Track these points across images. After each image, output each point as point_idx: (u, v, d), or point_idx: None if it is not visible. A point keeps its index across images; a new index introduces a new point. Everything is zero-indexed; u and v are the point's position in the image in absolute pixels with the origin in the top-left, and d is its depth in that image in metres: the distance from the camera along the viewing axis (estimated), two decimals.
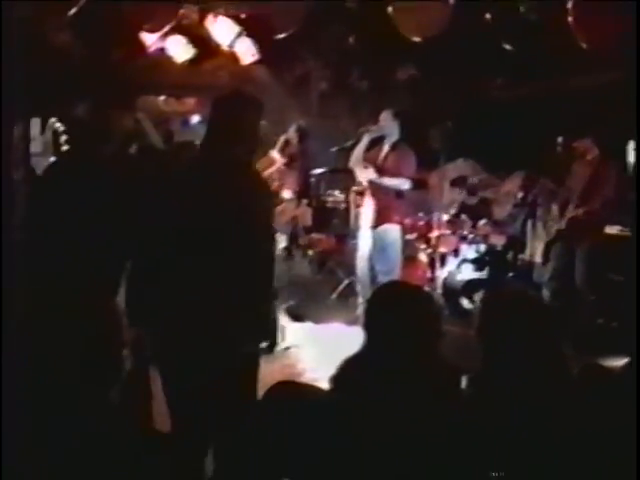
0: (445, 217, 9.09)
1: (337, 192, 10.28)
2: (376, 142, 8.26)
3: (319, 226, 10.15)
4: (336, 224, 10.22)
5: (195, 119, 11.22)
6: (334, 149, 9.11)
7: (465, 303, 8.44)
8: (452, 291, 8.58)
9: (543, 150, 8.28)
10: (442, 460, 2.83)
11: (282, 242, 9.42)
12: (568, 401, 2.97)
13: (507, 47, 6.96)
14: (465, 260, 8.90)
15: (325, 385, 3.07)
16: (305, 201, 10.02)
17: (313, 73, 9.80)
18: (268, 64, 8.82)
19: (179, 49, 8.01)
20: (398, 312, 3.08)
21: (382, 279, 7.70)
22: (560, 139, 7.93)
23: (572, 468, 2.82)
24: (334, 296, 9.12)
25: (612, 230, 7.82)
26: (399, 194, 8.14)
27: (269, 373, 4.22)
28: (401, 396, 2.92)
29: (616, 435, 2.85)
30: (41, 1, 5.91)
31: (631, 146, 8.35)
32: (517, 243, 9.01)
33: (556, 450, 2.84)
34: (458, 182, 9.49)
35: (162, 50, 8.02)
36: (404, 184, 8.07)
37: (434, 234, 8.88)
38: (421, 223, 9.09)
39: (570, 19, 6.23)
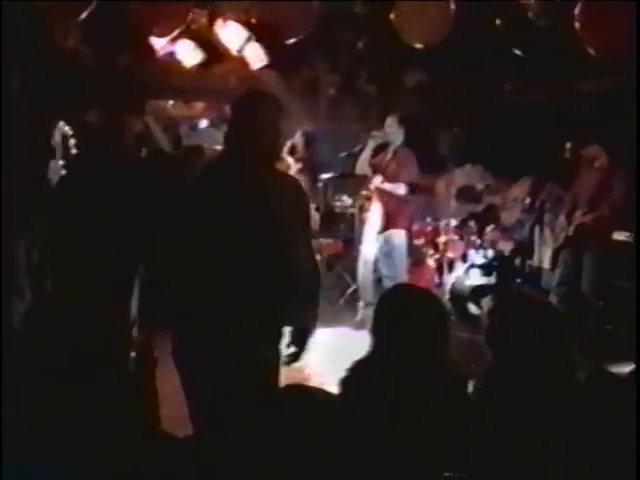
0: (453, 223, 9.11)
1: (345, 197, 10.29)
2: (382, 148, 8.28)
3: (327, 231, 10.15)
4: (344, 229, 10.23)
5: (204, 123, 11.25)
6: (343, 154, 9.13)
7: (473, 308, 8.44)
8: (460, 296, 8.58)
9: (551, 156, 8.28)
10: (449, 464, 2.83)
11: None
12: (576, 406, 2.97)
13: (516, 52, 6.96)
14: (473, 266, 8.89)
15: (333, 389, 3.07)
16: (313, 206, 10.04)
17: (322, 78, 9.80)
18: (277, 69, 8.82)
19: (188, 53, 8.01)
20: (406, 316, 3.08)
21: (388, 284, 7.72)
22: (568, 145, 7.94)
23: (580, 473, 2.82)
24: (342, 301, 9.12)
25: (620, 236, 7.81)
26: (406, 199, 8.16)
27: None
28: (409, 400, 2.93)
29: (624, 440, 2.85)
30: (50, 4, 5.94)
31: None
32: (525, 249, 9.00)
33: (564, 455, 2.84)
34: (464, 193, 9.50)
35: (171, 54, 8.02)
36: (399, 189, 8.09)
37: (442, 239, 8.92)
38: (429, 228, 9.13)
39: (577, 25, 6.24)
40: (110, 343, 2.37)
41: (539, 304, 3.33)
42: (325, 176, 10.13)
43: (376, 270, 8.22)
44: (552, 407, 2.93)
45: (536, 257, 8.82)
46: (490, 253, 8.99)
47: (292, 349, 3.88)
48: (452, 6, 6.70)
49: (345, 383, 3.12)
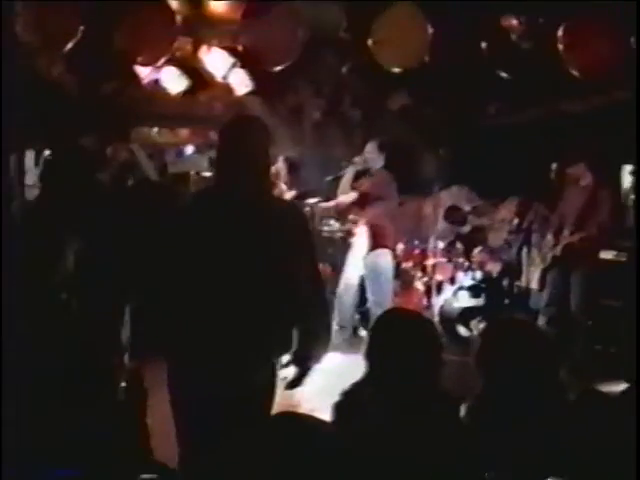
0: (441, 245, 9.12)
1: (332, 221, 10.27)
2: (363, 173, 8.30)
3: None
4: (332, 253, 10.21)
5: (189, 150, 11.24)
6: (328, 178, 9.13)
7: (462, 331, 8.44)
8: (449, 319, 8.57)
9: (537, 176, 8.31)
10: None
11: None
12: (567, 427, 2.96)
13: (500, 74, 7.00)
14: (461, 288, 8.89)
15: (324, 415, 3.05)
16: None
17: (306, 103, 9.83)
18: (262, 95, 8.85)
19: (173, 80, 8.01)
20: (401, 340, 3.07)
21: (374, 308, 7.74)
22: (554, 165, 7.98)
23: None
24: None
25: (608, 255, 7.83)
26: (392, 221, 8.17)
27: None
28: (402, 425, 2.91)
29: (616, 460, 2.85)
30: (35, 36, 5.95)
31: (627, 170, 8.39)
32: (513, 270, 9.00)
33: (556, 475, 2.83)
34: (451, 213, 9.53)
35: (156, 82, 8.03)
36: (349, 197, 8.12)
37: (430, 262, 8.93)
38: (417, 251, 9.14)
39: (560, 46, 6.29)
40: (99, 373, 2.35)
41: (529, 328, 3.34)
42: (311, 201, 10.12)
43: (360, 294, 8.20)
44: (543, 429, 2.93)
45: (524, 278, 8.81)
46: (478, 275, 9.00)
47: (294, 373, 3.85)
48: (429, 30, 6.74)
49: (339, 408, 3.10)
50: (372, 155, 8.22)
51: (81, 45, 6.25)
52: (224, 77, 7.84)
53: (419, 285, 9.02)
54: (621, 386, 3.42)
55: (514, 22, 6.62)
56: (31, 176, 7.86)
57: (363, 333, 8.32)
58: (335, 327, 8.17)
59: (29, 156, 8.12)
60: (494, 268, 9.09)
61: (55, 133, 7.47)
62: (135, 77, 7.68)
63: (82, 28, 6.21)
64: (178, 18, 6.84)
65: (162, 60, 7.07)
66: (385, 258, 8.14)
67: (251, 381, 3.56)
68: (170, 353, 3.70)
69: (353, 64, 8.38)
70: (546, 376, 3.06)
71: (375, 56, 7.01)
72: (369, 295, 8.09)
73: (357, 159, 8.31)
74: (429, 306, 8.79)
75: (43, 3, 6.16)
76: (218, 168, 3.91)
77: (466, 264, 9.12)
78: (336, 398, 3.15)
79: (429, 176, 9.89)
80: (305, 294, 3.73)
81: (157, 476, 2.86)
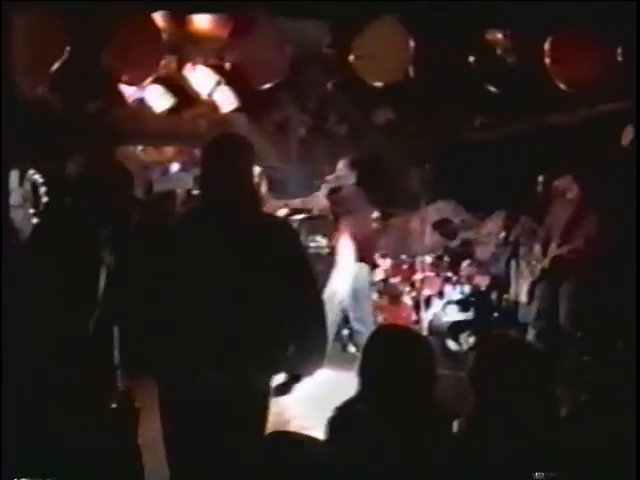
0: (428, 259, 9.12)
1: (319, 237, 10.25)
2: (335, 191, 8.28)
3: None
4: (320, 270, 10.17)
5: (175, 168, 11.20)
6: (299, 200, 9.10)
7: (451, 345, 8.44)
8: (438, 333, 8.57)
9: (524, 189, 8.32)
10: None
11: None
12: (560, 442, 2.96)
13: (485, 87, 7.02)
14: (450, 302, 8.89)
15: (315, 432, 3.03)
16: None
17: (292, 119, 9.83)
18: (247, 112, 8.84)
19: (158, 99, 8.00)
20: (394, 357, 3.06)
21: (355, 325, 7.94)
22: (541, 178, 7.99)
23: None
24: None
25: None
26: (367, 235, 8.18)
27: None
28: (396, 441, 2.90)
29: (610, 473, 2.84)
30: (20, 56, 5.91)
31: None
32: (501, 283, 9.00)
33: None
34: (440, 225, 9.53)
35: (141, 100, 8.01)
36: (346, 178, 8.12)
37: (418, 277, 8.92)
38: (405, 266, 9.12)
39: (547, 60, 6.31)
40: (90, 394, 2.32)
41: (521, 345, 3.37)
42: (297, 217, 10.09)
43: (342, 311, 8.18)
44: (536, 443, 2.92)
45: (513, 291, 8.82)
46: (467, 289, 9.00)
47: (283, 379, 3.81)
48: (411, 44, 6.76)
49: (332, 424, 3.08)
50: (343, 173, 8.21)
51: (67, 65, 6.22)
52: (209, 95, 7.83)
53: (407, 300, 9.01)
54: (612, 397, 3.41)
55: (499, 36, 6.64)
56: (16, 196, 7.80)
57: (352, 350, 8.31)
58: None
59: (14, 176, 8.07)
60: (482, 282, 9.10)
61: (40, 153, 7.44)
62: (120, 96, 7.65)
63: (68, 48, 6.17)
64: (164, 36, 6.82)
65: (149, 79, 7.04)
66: (362, 274, 8.13)
67: (243, 400, 3.52)
68: (159, 374, 3.67)
69: (338, 80, 8.40)
70: (538, 392, 3.06)
71: (357, 71, 7.03)
72: (349, 312, 8.09)
73: (329, 177, 8.31)
74: (418, 321, 8.78)
75: (31, 24, 6.13)
76: (203, 186, 3.89)
77: (454, 278, 9.12)
78: (327, 415, 3.13)
79: (415, 191, 9.89)
80: (300, 311, 3.70)
81: None
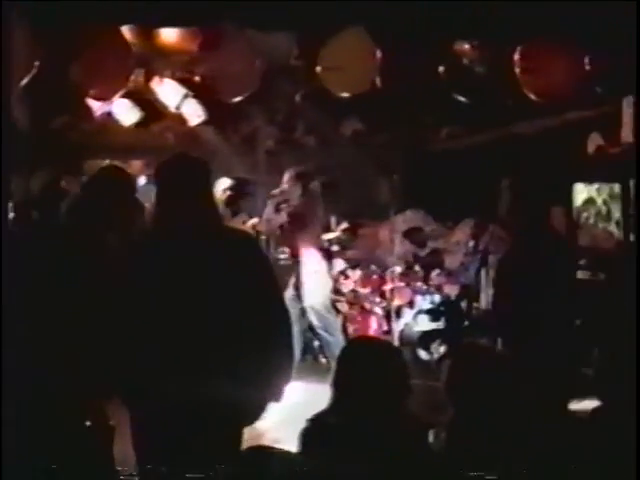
0: (398, 269, 9.12)
1: (287, 249, 10.22)
2: (282, 203, 8.21)
3: None
4: (290, 282, 10.16)
5: (142, 181, 11.15)
6: (254, 220, 9.05)
7: (423, 354, 8.45)
8: (409, 343, 8.57)
9: (491, 198, 8.36)
10: None
11: None
12: (538, 452, 2.97)
13: (452, 97, 7.07)
14: (420, 311, 8.89)
15: (288, 445, 3.03)
16: None
17: (260, 131, 9.84)
18: (215, 124, 8.83)
19: (126, 112, 7.98)
20: (368, 368, 3.07)
21: (322, 334, 7.94)
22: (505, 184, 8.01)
23: None
24: None
25: (583, 276, 7.83)
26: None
27: None
28: (370, 452, 2.89)
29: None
30: None
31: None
32: (471, 292, 9.02)
33: None
34: (411, 233, 9.56)
35: (109, 114, 7.98)
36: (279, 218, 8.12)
37: (388, 287, 8.92)
38: (374, 277, 9.13)
39: (517, 70, 6.36)
40: (63, 411, 2.31)
41: (495, 354, 3.39)
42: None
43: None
44: (514, 453, 2.93)
45: (483, 299, 8.84)
46: (437, 298, 9.02)
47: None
48: (378, 55, 6.79)
49: (305, 436, 3.07)
50: (289, 185, 8.13)
51: (35, 80, 6.17)
52: (177, 108, 7.82)
53: (378, 310, 9.02)
54: (592, 405, 3.43)
55: (466, 46, 6.69)
56: None
57: (323, 360, 8.32)
58: None
59: None
60: (452, 291, 9.12)
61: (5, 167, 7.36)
62: (87, 110, 7.62)
63: (37, 63, 6.12)
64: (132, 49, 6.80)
65: (117, 95, 7.01)
66: (322, 282, 8.14)
67: (213, 417, 3.49)
68: (126, 396, 3.63)
69: (306, 91, 8.41)
70: (512, 398, 3.08)
71: (324, 82, 7.05)
72: (314, 322, 8.06)
73: (275, 191, 8.23)
74: (389, 331, 8.79)
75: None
76: (159, 205, 3.85)
77: (424, 288, 9.14)
78: (299, 427, 3.12)
79: (384, 201, 9.91)
80: (267, 324, 3.68)
81: None
